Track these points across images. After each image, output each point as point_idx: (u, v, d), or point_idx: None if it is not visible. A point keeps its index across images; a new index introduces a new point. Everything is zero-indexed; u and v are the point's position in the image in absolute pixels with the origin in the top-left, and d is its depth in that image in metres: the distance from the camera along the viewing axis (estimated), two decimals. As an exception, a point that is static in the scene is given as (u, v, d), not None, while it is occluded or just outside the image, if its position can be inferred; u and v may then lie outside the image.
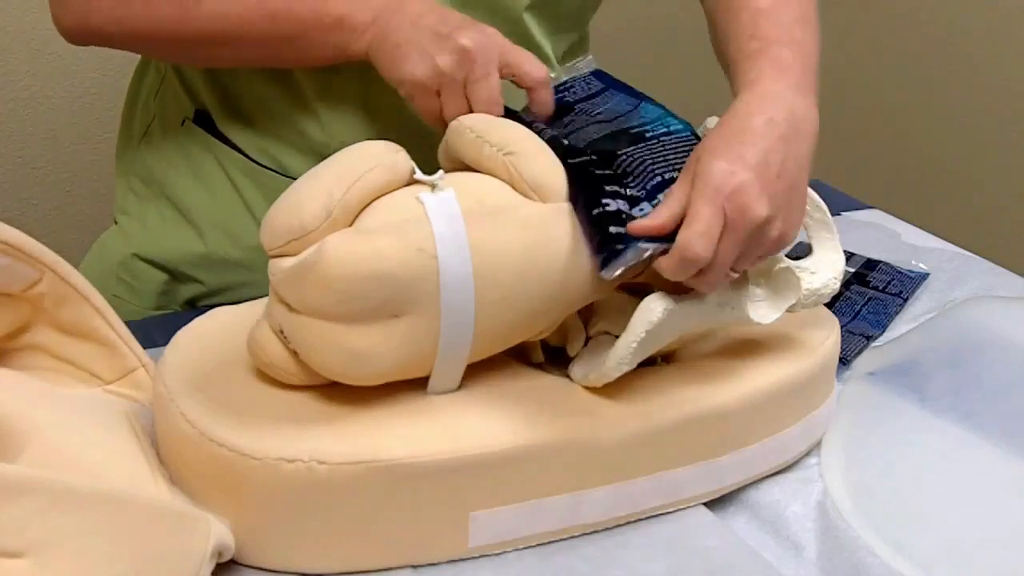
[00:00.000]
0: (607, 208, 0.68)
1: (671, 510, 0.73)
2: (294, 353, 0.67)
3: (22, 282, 0.70)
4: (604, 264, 0.67)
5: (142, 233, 1.01)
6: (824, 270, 0.77)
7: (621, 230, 0.67)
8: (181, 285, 1.01)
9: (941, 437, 0.83)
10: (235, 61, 0.92)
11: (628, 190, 0.70)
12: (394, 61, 0.80)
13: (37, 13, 1.62)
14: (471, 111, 0.77)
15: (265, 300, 0.74)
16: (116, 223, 1.04)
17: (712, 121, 0.78)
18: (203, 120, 0.98)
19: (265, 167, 0.96)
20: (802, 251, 0.82)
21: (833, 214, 0.80)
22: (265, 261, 0.68)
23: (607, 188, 0.69)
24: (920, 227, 1.18)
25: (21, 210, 1.70)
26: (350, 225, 0.66)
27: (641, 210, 0.69)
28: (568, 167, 0.70)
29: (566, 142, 0.72)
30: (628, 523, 0.71)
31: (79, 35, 0.91)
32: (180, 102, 0.99)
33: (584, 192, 0.69)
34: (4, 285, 0.70)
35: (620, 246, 0.66)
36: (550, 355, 0.75)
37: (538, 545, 0.69)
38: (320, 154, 0.94)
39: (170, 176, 1.00)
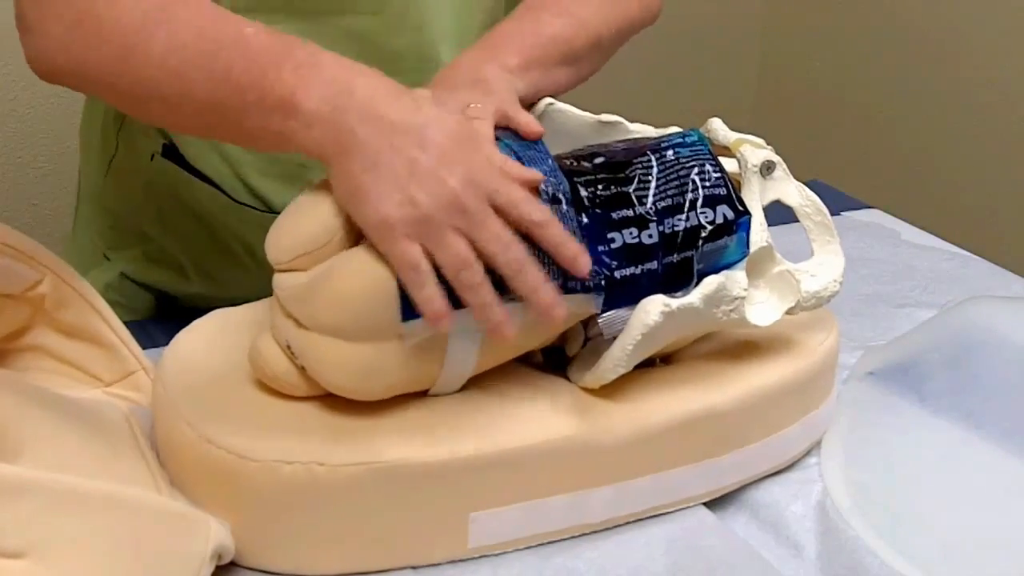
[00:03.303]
0: (612, 245, 0.68)
1: (671, 510, 0.73)
2: (300, 368, 0.67)
3: (23, 283, 0.70)
4: (604, 306, 0.68)
5: (132, 266, 0.99)
6: (824, 272, 0.77)
7: (626, 272, 0.68)
8: (174, 303, 1.00)
9: (941, 437, 0.83)
10: (176, 126, 0.79)
11: (638, 206, 0.70)
12: (357, 192, 0.64)
13: (37, 13, 1.63)
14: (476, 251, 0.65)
15: (264, 302, 0.74)
16: (107, 259, 1.01)
17: (716, 123, 0.78)
18: (172, 154, 0.92)
19: (242, 204, 0.92)
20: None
21: (833, 214, 0.80)
22: (256, 293, 0.67)
23: (614, 215, 0.69)
24: (920, 227, 1.18)
25: (21, 210, 1.70)
26: (357, 241, 0.66)
27: (651, 236, 0.69)
28: (573, 186, 0.69)
29: (569, 162, 0.71)
30: (628, 523, 0.71)
31: (49, 74, 0.75)
32: (147, 136, 0.94)
33: (591, 222, 0.68)
34: (5, 286, 0.70)
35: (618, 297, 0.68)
36: (549, 356, 0.75)
37: (538, 545, 0.69)
38: (297, 178, 0.88)
39: (143, 216, 0.97)
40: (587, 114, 0.77)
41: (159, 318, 0.99)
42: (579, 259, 0.65)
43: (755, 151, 0.76)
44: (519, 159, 0.68)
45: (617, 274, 0.68)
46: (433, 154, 0.64)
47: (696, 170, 0.72)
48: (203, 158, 0.91)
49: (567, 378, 0.73)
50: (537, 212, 0.65)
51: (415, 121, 0.65)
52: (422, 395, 0.69)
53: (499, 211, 0.64)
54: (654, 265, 0.69)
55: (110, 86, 0.72)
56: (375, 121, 0.64)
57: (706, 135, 0.75)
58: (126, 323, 0.76)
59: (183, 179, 0.92)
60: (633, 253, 0.69)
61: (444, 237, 0.63)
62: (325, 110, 0.64)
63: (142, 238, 0.98)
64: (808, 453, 0.79)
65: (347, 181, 0.64)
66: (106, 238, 1.01)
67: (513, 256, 0.64)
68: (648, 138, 0.75)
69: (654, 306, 0.67)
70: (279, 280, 0.66)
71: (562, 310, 0.65)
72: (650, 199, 0.70)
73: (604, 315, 0.69)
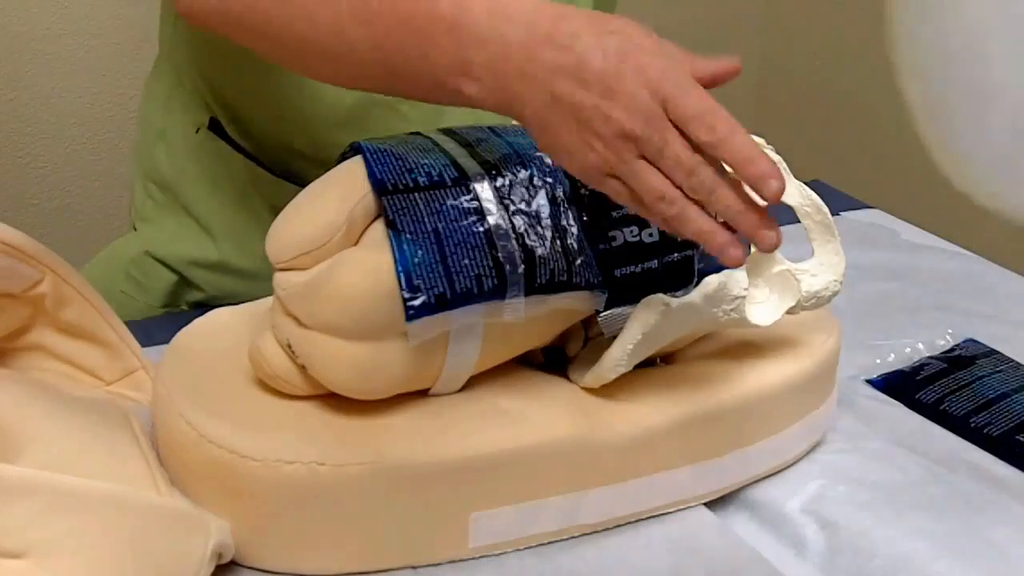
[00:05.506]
0: (613, 243, 0.68)
1: (671, 510, 0.73)
2: (301, 367, 0.67)
3: (23, 283, 0.70)
4: (604, 305, 0.68)
5: (159, 238, 1.01)
6: (825, 272, 0.77)
7: (627, 270, 0.68)
8: (190, 289, 1.01)
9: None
10: (342, 79, 0.72)
11: None
12: (546, 142, 0.63)
13: (37, 12, 1.63)
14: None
15: (264, 301, 0.74)
16: (135, 229, 1.03)
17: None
18: (218, 129, 0.97)
19: (281, 178, 0.96)
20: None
21: (833, 214, 0.80)
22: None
23: (615, 214, 0.69)
24: (920, 227, 1.18)
25: (21, 210, 1.70)
26: (357, 240, 0.66)
27: (651, 235, 0.69)
28: (574, 185, 0.69)
29: None
30: (628, 523, 0.71)
31: (191, 12, 0.78)
32: (194, 110, 0.98)
33: (590, 219, 0.68)
34: (5, 286, 0.70)
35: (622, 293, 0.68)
36: (550, 356, 0.75)
37: (538, 545, 0.69)
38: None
39: (185, 184, 0.99)
40: (588, 114, 0.77)
41: (169, 306, 1.00)
42: (768, 181, 0.58)
43: (755, 151, 0.76)
44: (519, 157, 0.68)
45: (618, 272, 0.68)
46: (595, 90, 0.59)
47: None
48: (245, 135, 0.95)
49: (567, 378, 0.73)
50: (705, 130, 0.58)
51: (569, 60, 0.60)
52: (423, 395, 0.69)
53: (677, 127, 0.59)
54: (654, 264, 0.70)
55: (262, 34, 0.72)
56: (532, 63, 0.60)
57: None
58: (127, 323, 0.76)
59: (225, 152, 0.97)
60: (634, 251, 0.69)
61: (632, 173, 0.60)
62: (487, 75, 0.62)
63: (177, 205, 1.01)
64: (808, 453, 0.79)
65: (531, 134, 0.63)
66: (140, 208, 1.04)
67: (698, 180, 0.59)
68: None
69: (654, 305, 0.67)
70: (280, 279, 0.66)
71: (774, 235, 0.59)
72: None
73: (604, 313, 0.69)
